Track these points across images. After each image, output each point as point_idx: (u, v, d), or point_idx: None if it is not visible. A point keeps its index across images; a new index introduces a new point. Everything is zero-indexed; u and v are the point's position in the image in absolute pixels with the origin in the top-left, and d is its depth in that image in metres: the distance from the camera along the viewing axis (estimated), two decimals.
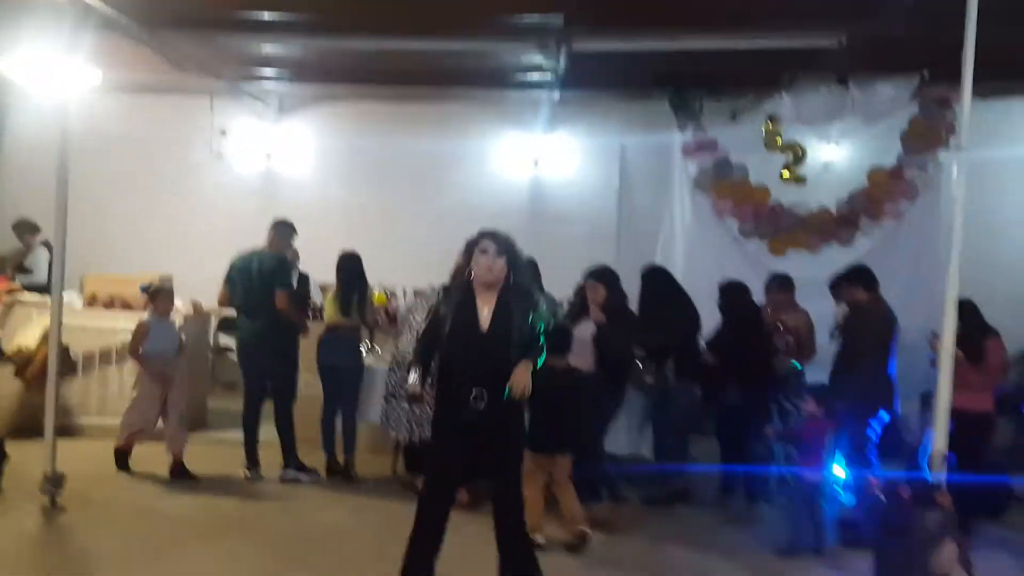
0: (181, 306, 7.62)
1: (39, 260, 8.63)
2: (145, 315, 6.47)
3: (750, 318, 6.14)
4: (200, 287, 8.25)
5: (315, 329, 6.72)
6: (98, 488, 5.77)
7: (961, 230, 4.43)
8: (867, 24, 5.80)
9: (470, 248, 3.94)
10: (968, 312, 5.43)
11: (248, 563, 4.67)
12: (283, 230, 6.63)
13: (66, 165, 5.40)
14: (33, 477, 5.45)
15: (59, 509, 5.24)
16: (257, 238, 8.89)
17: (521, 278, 4.00)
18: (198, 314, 7.80)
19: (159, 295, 6.48)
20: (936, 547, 3.83)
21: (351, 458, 6.43)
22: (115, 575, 4.48)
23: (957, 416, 4.73)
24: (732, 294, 6.23)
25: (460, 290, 3.99)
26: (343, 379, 6.47)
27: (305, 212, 9.21)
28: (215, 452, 6.91)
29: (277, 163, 9.66)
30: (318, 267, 7.38)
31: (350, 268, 6.58)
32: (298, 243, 7.69)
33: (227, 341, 9.49)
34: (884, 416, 5.70)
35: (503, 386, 3.79)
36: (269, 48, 7.57)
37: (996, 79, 7.50)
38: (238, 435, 7.29)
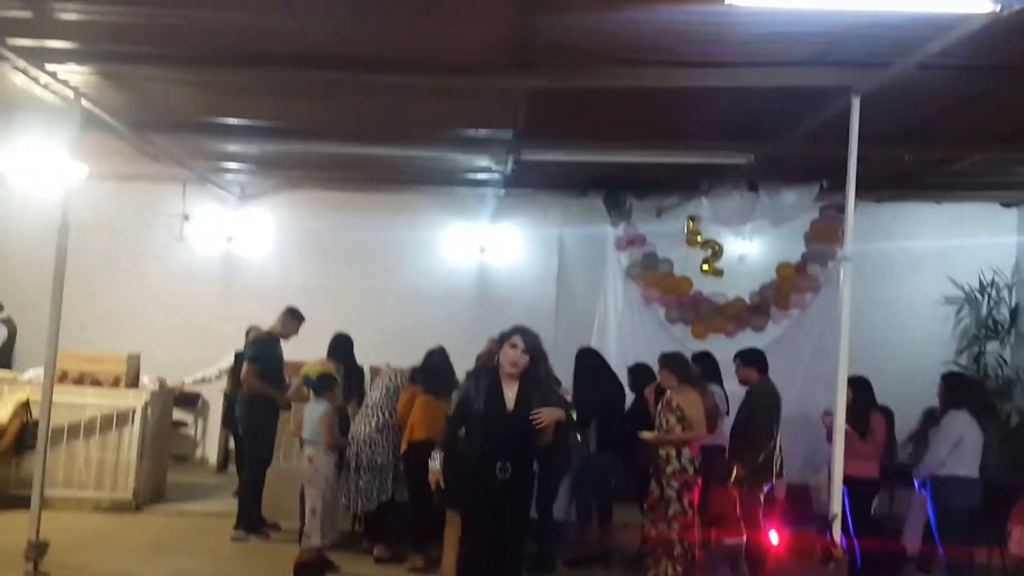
0: (148, 382, 8.04)
1: None
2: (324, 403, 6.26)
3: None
4: (165, 363, 8.72)
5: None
6: (74, 555, 6.11)
7: (848, 326, 5.32)
8: (770, 146, 6.81)
9: (502, 339, 4.48)
10: (860, 390, 6.26)
11: None
12: (292, 317, 7.32)
13: (64, 250, 5.92)
14: (5, 546, 5.82)
15: (42, 575, 5.58)
16: (217, 316, 9.46)
17: (541, 370, 4.51)
18: (163, 390, 8.19)
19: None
20: None
21: None
22: None
23: (847, 482, 5.51)
24: (638, 374, 7.05)
25: (487, 375, 4.51)
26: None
27: (263, 293, 9.82)
28: (178, 523, 7.33)
29: (237, 246, 10.20)
30: None
31: (348, 351, 7.25)
32: (255, 321, 8.29)
33: (179, 416, 9.89)
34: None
35: (523, 459, 4.37)
36: (237, 147, 8.22)
37: (887, 187, 8.76)
38: (195, 506, 7.79)
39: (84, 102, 6.23)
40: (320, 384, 6.32)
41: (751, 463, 6.09)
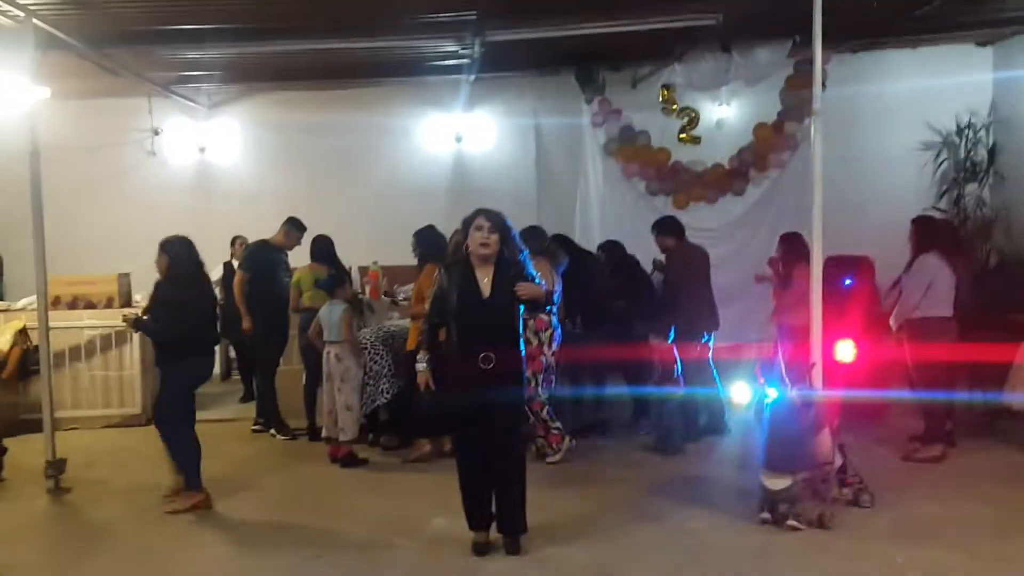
0: (141, 299, 8.12)
1: None
2: (339, 303, 6.44)
3: (628, 267, 7.09)
4: (152, 279, 8.74)
5: None
6: (93, 470, 6.35)
7: (821, 181, 5.34)
8: (739, 4, 6.68)
9: (467, 225, 4.29)
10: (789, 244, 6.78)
11: (249, 516, 5.30)
12: (295, 227, 7.48)
13: (39, 175, 5.88)
14: (25, 467, 6.04)
15: (63, 491, 5.82)
16: (196, 229, 9.41)
17: (511, 250, 4.32)
18: None
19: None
20: (815, 436, 4.83)
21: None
22: (126, 539, 4.97)
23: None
24: (611, 250, 7.17)
25: (459, 265, 4.33)
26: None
27: (241, 201, 9.80)
28: None
29: (211, 156, 10.11)
30: None
31: (332, 252, 7.27)
32: (235, 229, 8.32)
33: None
34: (708, 337, 6.70)
35: (506, 346, 4.26)
36: (198, 54, 8.03)
37: (861, 37, 8.62)
38: (204, 415, 7.96)
39: (36, 21, 6.06)
40: (332, 284, 6.50)
41: (687, 318, 6.46)
